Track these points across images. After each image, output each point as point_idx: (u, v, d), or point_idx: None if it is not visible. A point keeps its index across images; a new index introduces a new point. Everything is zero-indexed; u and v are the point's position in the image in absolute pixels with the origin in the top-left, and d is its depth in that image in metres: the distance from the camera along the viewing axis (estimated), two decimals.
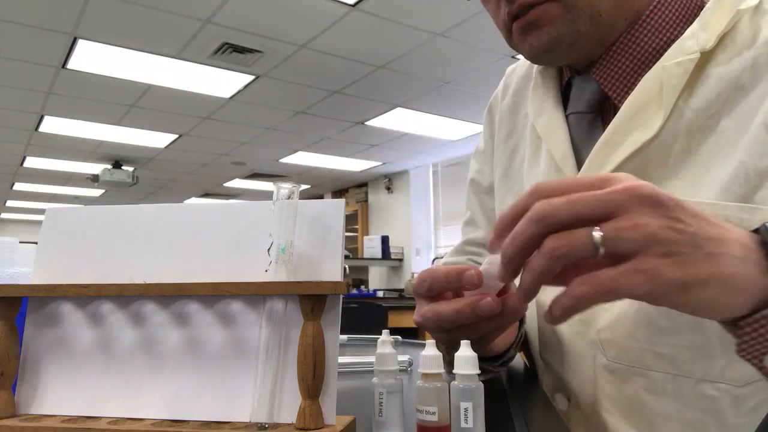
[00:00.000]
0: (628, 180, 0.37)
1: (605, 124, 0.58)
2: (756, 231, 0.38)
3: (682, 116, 0.53)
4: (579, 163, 0.60)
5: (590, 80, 0.61)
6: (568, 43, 0.57)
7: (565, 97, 0.66)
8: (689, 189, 0.51)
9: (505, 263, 0.38)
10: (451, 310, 0.44)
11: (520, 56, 0.68)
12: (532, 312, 0.66)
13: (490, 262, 0.42)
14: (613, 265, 0.34)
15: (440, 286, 0.46)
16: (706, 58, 0.53)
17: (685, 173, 0.52)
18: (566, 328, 0.59)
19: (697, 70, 0.53)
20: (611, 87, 0.59)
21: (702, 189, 0.50)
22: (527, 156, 0.69)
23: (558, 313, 0.36)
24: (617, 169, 0.55)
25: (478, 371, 0.41)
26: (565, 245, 0.34)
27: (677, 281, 0.34)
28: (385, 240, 6.77)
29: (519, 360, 0.86)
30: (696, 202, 0.47)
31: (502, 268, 0.38)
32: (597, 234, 0.34)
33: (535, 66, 0.73)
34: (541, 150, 0.66)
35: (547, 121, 0.65)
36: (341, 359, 0.79)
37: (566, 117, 0.63)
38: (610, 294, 0.34)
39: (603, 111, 0.61)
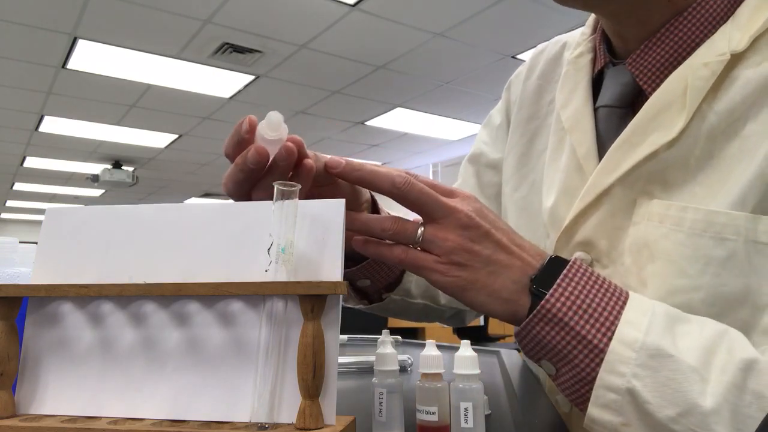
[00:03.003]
0: (463, 201, 0.48)
1: None
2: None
3: (704, 119, 0.50)
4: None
5: (625, 72, 0.57)
6: None
7: (597, 88, 0.61)
8: (709, 196, 0.48)
9: (348, 167, 0.48)
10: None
11: (520, 57, 0.67)
12: None
13: (269, 124, 0.45)
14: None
15: (233, 141, 0.48)
16: (735, 59, 0.49)
17: (706, 178, 0.49)
18: None
19: (725, 71, 0.49)
20: (646, 80, 0.55)
21: (721, 196, 0.48)
22: (550, 148, 0.65)
23: (371, 250, 0.50)
24: (632, 171, 0.51)
25: (478, 371, 0.41)
26: (398, 230, 0.48)
27: (456, 283, 0.46)
28: None
29: (522, 364, 0.86)
30: (708, 211, 0.47)
31: (340, 162, 0.49)
32: (420, 231, 0.47)
33: (566, 52, 0.69)
34: (564, 143, 0.62)
35: (573, 113, 0.61)
36: (341, 359, 0.79)
37: (596, 110, 0.59)
38: (417, 270, 0.47)
39: (635, 107, 0.56)
